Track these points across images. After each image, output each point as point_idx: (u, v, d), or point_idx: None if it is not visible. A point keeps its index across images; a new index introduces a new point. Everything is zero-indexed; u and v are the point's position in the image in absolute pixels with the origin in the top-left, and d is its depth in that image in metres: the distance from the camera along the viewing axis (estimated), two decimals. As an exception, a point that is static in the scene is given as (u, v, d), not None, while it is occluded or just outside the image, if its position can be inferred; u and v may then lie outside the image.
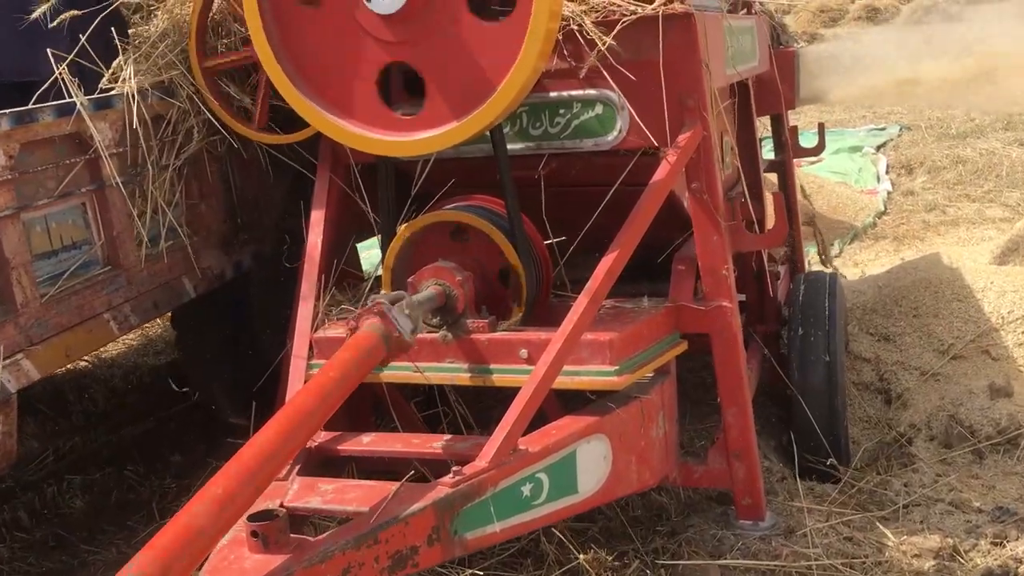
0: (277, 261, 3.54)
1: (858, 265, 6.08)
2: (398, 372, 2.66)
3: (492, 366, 2.62)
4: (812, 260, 5.69)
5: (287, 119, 3.09)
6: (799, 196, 5.18)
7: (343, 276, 3.10)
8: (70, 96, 2.65)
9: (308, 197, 3.17)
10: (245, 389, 3.43)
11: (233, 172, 3.40)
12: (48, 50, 2.76)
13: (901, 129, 10.94)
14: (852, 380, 4.01)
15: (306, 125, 2.83)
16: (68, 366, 3.92)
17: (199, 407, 4.11)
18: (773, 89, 4.22)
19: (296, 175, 3.36)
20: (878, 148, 9.99)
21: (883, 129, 11.05)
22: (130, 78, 2.84)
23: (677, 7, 2.67)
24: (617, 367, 2.54)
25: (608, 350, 2.54)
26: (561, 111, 2.87)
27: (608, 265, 2.54)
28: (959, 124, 10.47)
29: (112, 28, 3.01)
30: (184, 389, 3.86)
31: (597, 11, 2.72)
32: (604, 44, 2.61)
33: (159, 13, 3.12)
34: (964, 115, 10.61)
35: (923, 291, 4.32)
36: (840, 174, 8.66)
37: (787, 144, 4.60)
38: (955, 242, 6.06)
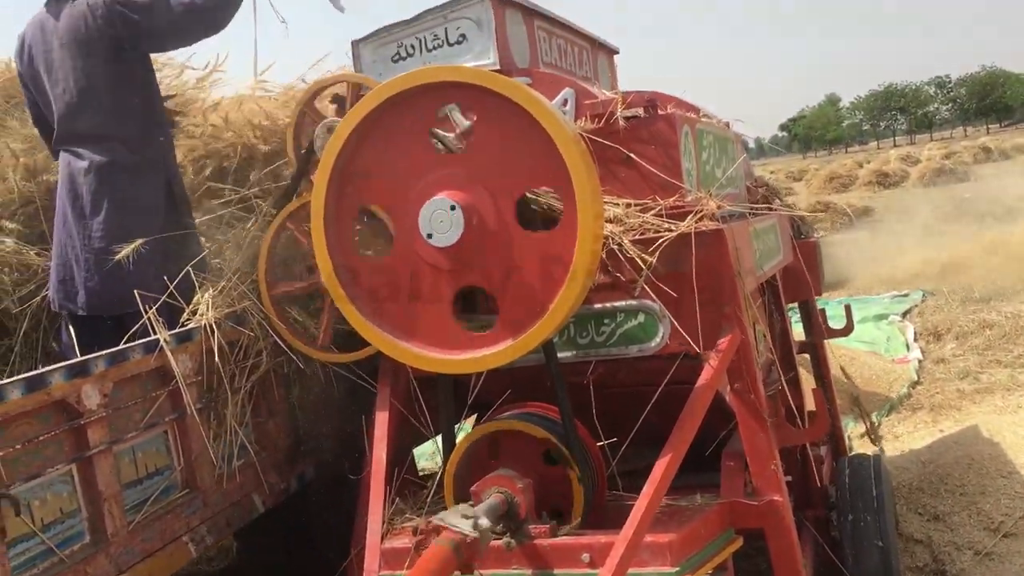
0: (337, 468, 3.67)
1: (898, 438, 6.12)
2: (465, 581, 2.75)
3: (556, 571, 2.69)
4: (851, 434, 5.74)
5: (345, 337, 3.30)
6: (838, 373, 5.30)
7: (404, 484, 3.23)
8: (155, 333, 2.88)
9: (363, 403, 3.32)
10: (308, 599, 3.50)
11: (296, 388, 3.59)
12: (136, 291, 3.03)
13: (924, 295, 11.06)
14: (907, 564, 4.01)
15: (364, 343, 3.03)
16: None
17: (259, 618, 4.15)
18: (800, 278, 4.43)
19: (351, 383, 3.54)
20: (904, 315, 10.09)
21: (906, 295, 11.18)
22: (208, 311, 3.08)
23: (708, 224, 2.90)
24: (678, 568, 2.61)
25: (668, 552, 2.61)
26: (606, 321, 3.05)
27: (663, 469, 2.66)
28: (981, 288, 10.61)
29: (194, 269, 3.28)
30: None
31: (634, 230, 2.95)
32: (648, 265, 2.82)
33: (228, 250, 3.39)
34: (985, 279, 10.76)
35: (967, 468, 4.38)
36: (869, 343, 8.75)
37: (817, 327, 4.78)
38: (992, 411, 6.11)
